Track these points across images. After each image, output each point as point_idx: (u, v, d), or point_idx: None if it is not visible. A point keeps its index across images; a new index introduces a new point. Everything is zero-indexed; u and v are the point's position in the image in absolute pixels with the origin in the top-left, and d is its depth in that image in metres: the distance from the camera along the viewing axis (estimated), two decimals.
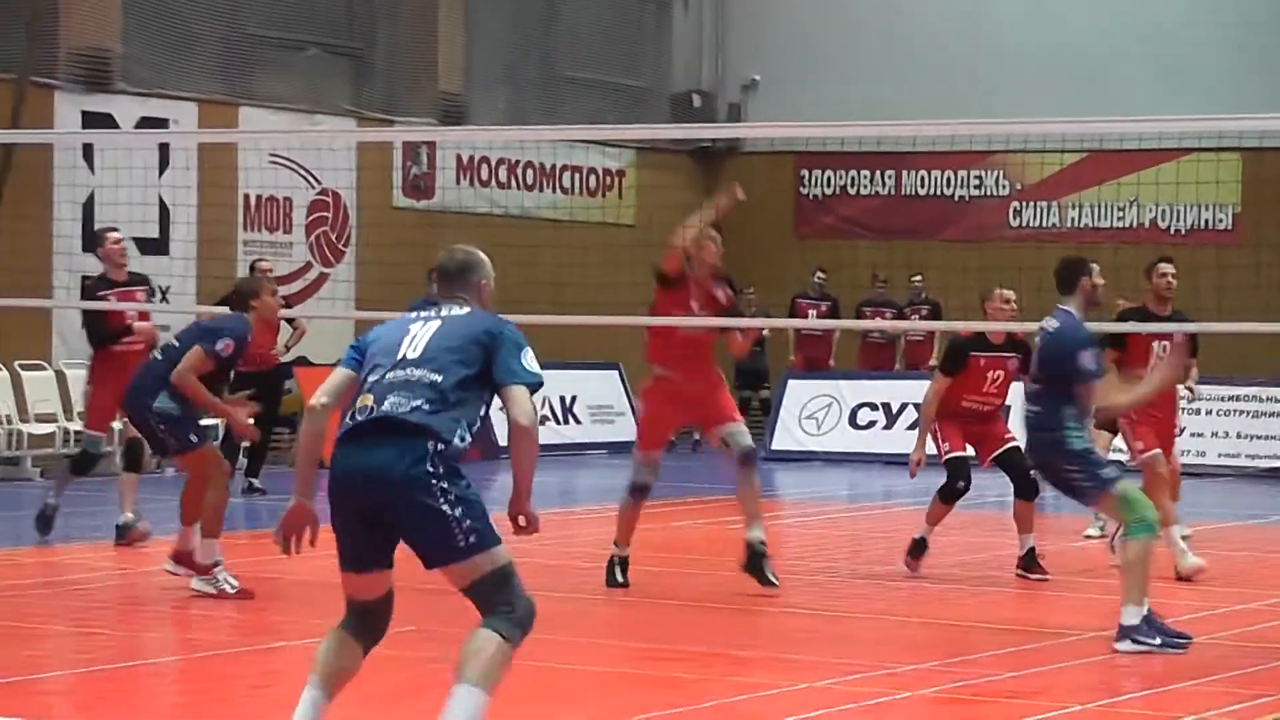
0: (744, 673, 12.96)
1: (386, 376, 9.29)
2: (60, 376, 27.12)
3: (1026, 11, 34.58)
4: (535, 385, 9.34)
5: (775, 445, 31.00)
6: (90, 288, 20.73)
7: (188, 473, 16.50)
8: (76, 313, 27.08)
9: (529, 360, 9.35)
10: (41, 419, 26.62)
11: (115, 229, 20.90)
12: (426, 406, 9.20)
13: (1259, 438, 28.90)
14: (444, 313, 9.53)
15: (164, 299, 28.17)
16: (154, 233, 28.65)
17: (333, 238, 31.24)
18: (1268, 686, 12.57)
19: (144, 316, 19.85)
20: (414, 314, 9.64)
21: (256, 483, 24.16)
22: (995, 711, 11.98)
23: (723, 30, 37.10)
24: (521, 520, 9.44)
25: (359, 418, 9.25)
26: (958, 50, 34.61)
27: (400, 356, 9.33)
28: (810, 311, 32.24)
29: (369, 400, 9.28)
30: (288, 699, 9.44)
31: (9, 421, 26.24)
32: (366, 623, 9.43)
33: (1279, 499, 25.74)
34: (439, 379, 9.26)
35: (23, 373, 26.73)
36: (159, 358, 16.41)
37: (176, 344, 16.23)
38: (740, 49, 36.90)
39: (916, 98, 32.20)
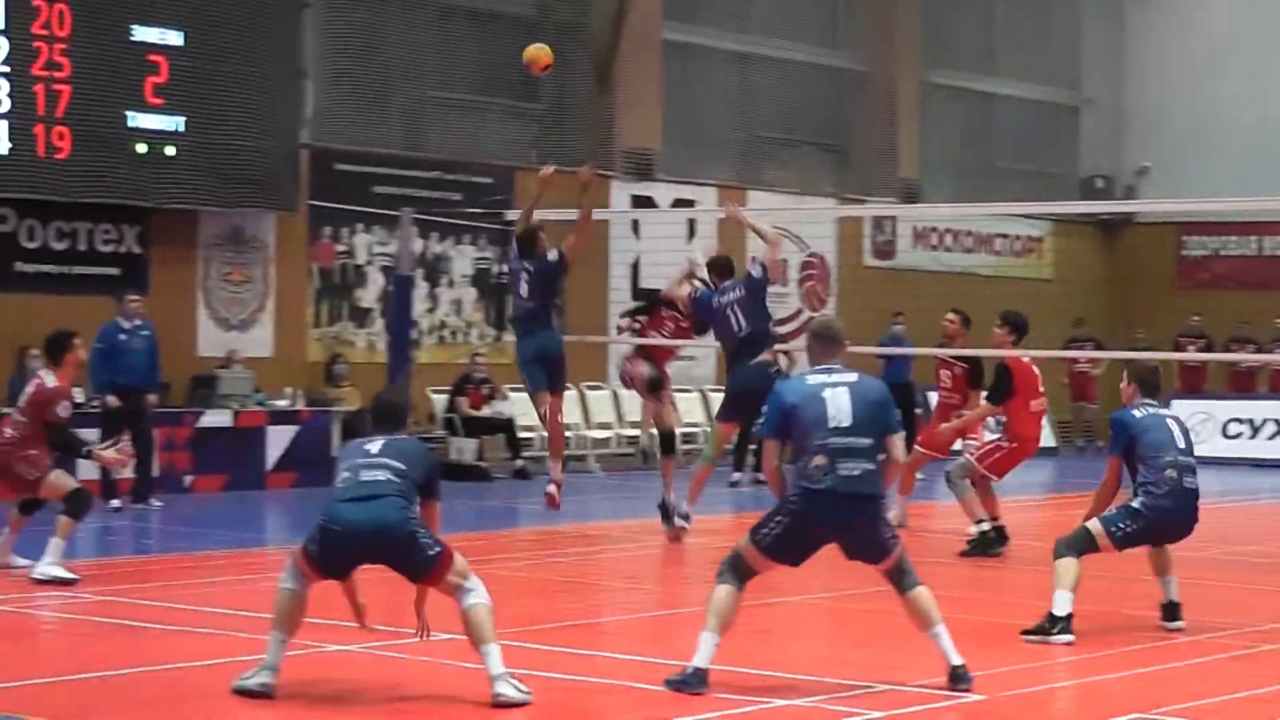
0: (1133, 627, 12.59)
1: (831, 442, 9.92)
2: (615, 395, 27.63)
3: None
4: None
5: None
6: None
7: None
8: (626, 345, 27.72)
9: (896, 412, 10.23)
10: (601, 426, 27.13)
11: None
12: (869, 466, 9.98)
13: None
14: (844, 380, 10.14)
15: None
16: None
17: (818, 289, 31.35)
18: None
19: None
20: (815, 383, 10.15)
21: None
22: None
23: (1120, 129, 36.48)
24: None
25: (824, 477, 9.91)
26: None
27: (835, 426, 9.96)
28: (1189, 347, 31.50)
29: (823, 461, 9.93)
30: None
31: (577, 428, 26.77)
32: (747, 584, 10.14)
33: None
34: (868, 443, 10.00)
35: (587, 392, 27.26)
36: None
37: None
38: (1133, 143, 36.22)
39: (1274, 176, 31.26)
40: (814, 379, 10.16)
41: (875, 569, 10.14)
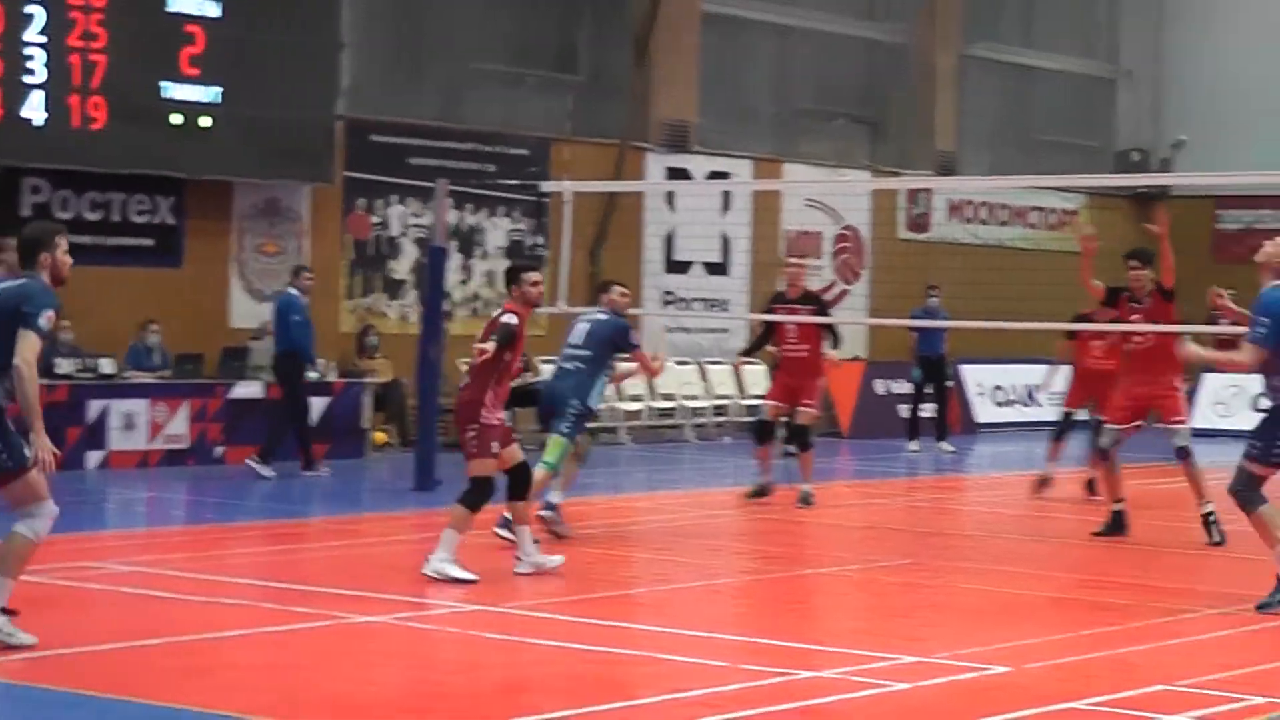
0: (1163, 600, 12.52)
1: None
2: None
3: None
4: None
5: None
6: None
7: None
8: (660, 318, 27.70)
9: None
10: (633, 399, 27.10)
11: None
12: None
13: None
14: None
15: (724, 309, 28.61)
16: (718, 259, 29.06)
17: (852, 262, 31.29)
18: None
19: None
20: None
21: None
22: None
23: (1157, 102, 36.31)
24: None
25: None
26: None
27: None
28: (1221, 320, 31.32)
29: None
30: None
31: (609, 400, 26.55)
32: None
33: None
34: None
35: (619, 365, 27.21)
36: None
37: None
38: (1170, 116, 36.06)
39: None
40: None
41: None
